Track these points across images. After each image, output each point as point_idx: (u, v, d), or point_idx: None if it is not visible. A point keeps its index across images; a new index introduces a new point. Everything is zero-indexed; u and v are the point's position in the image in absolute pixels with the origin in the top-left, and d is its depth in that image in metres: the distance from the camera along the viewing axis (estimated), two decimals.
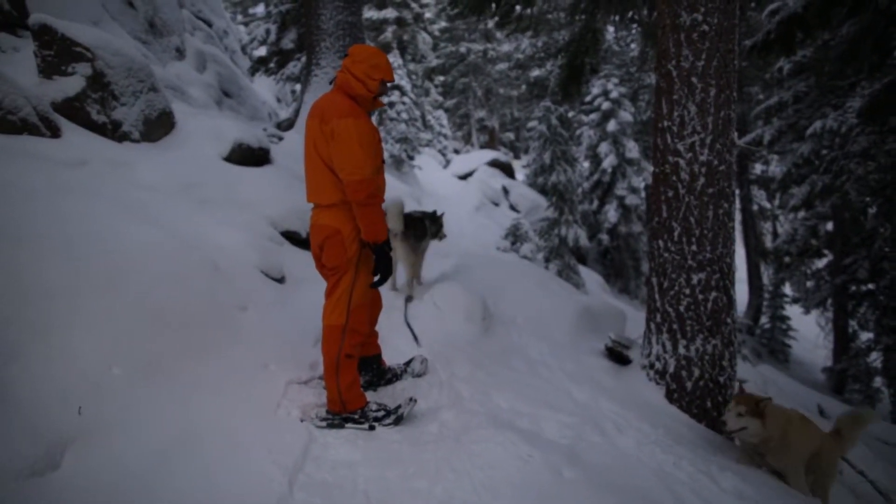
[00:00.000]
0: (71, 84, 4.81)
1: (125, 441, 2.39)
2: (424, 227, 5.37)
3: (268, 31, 11.41)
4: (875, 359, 13.71)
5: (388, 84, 3.29)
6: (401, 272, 5.30)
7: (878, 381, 14.14)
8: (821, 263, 15.78)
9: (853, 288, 13.76)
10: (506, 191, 18.07)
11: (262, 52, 12.14)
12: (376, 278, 3.28)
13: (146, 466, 2.32)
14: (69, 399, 2.37)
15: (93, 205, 3.61)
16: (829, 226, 15.07)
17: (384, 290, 3.94)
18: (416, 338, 4.33)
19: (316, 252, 3.28)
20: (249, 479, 2.45)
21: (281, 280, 4.70)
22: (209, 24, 12.56)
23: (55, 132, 4.46)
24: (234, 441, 2.64)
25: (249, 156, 6.14)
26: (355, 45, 3.48)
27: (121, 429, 2.44)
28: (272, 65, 11.61)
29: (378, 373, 3.71)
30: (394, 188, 11.01)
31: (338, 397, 3.11)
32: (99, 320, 2.80)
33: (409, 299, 4.86)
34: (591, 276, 14.23)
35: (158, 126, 5.58)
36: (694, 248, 4.17)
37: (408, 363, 3.83)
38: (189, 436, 2.57)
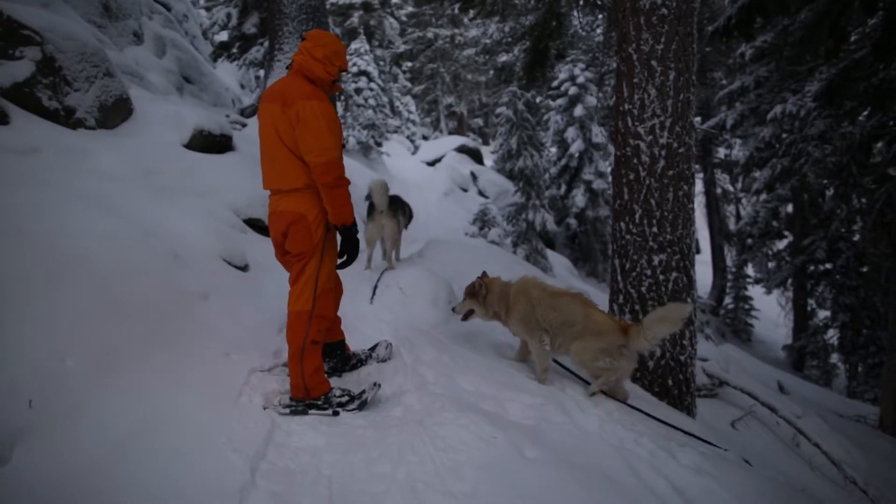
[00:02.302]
0: (19, 69, 4.63)
1: (79, 434, 2.33)
2: (405, 206, 5.69)
3: (229, 16, 11.17)
4: (832, 336, 14.20)
5: (343, 74, 3.30)
6: (379, 249, 5.63)
7: (834, 357, 14.64)
8: (781, 244, 16.21)
9: (811, 268, 14.19)
10: (474, 176, 18.11)
11: (223, 36, 11.87)
12: (342, 260, 3.29)
13: (102, 459, 2.28)
14: (19, 392, 2.31)
15: (44, 193, 3.50)
16: (790, 208, 15.48)
17: (348, 279, 3.92)
18: (373, 294, 4.79)
19: (278, 239, 3.24)
20: (210, 469, 2.42)
21: (244, 268, 4.64)
22: (168, 8, 12.22)
23: (3, 119, 4.30)
24: (195, 431, 2.61)
25: (211, 142, 6.02)
26: (314, 29, 3.47)
27: (75, 421, 2.38)
28: (234, 50, 11.37)
29: (343, 358, 3.70)
30: (362, 175, 10.93)
31: (302, 383, 3.10)
32: (52, 311, 2.72)
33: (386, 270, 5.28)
34: (558, 260, 14.37)
35: (115, 112, 5.42)
36: (655, 229, 4.24)
37: (372, 348, 3.83)
38: (147, 427, 2.52)
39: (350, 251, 3.27)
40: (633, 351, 3.56)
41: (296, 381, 3.12)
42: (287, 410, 3.06)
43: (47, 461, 2.17)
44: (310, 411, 3.09)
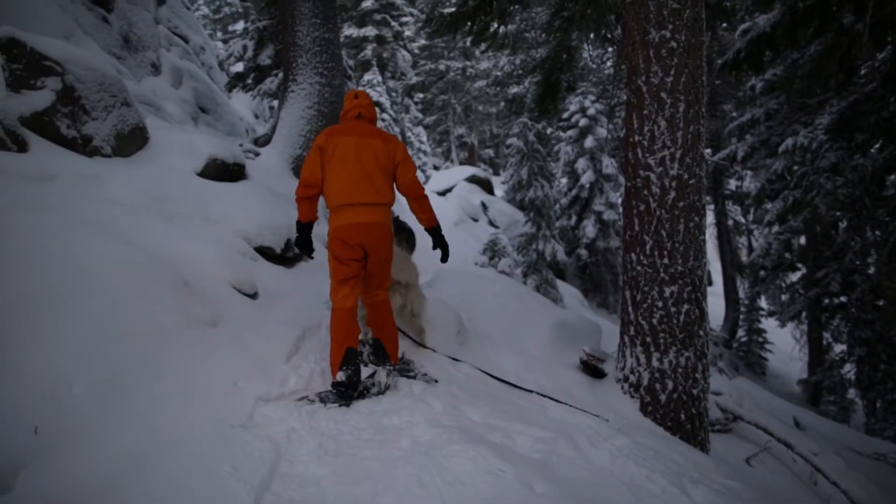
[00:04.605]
0: (40, 98, 4.73)
1: (84, 461, 2.31)
2: (413, 234, 5.58)
3: (245, 48, 11.37)
4: (848, 370, 13.92)
5: None
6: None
7: (851, 393, 14.33)
8: (795, 277, 16.03)
9: (826, 301, 13.98)
10: (485, 206, 18.12)
11: (239, 67, 12.10)
12: (441, 256, 4.19)
13: (105, 486, 2.25)
14: (24, 418, 2.29)
15: (58, 219, 3.54)
16: (803, 240, 15.34)
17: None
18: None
19: (374, 242, 3.75)
20: (213, 499, 2.38)
21: (253, 296, 4.63)
22: (186, 40, 12.53)
23: (22, 146, 4.38)
24: (200, 459, 2.58)
25: (224, 171, 6.10)
26: (360, 90, 4.35)
27: (80, 448, 2.36)
28: (249, 81, 11.54)
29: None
30: None
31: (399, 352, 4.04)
32: (59, 337, 2.72)
33: None
34: (569, 291, 14.29)
35: (131, 141, 5.51)
36: (666, 261, 4.21)
37: (371, 376, 3.82)
38: (152, 454, 2.50)
39: (443, 247, 4.16)
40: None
41: (398, 346, 4.02)
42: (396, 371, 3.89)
43: (50, 488, 2.15)
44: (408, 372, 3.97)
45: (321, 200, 3.92)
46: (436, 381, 3.89)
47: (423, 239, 5.31)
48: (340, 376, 3.53)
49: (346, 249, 3.70)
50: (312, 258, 4.33)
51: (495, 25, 7.71)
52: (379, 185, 3.76)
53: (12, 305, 2.68)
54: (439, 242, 4.13)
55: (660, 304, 4.23)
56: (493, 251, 12.48)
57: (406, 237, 5.56)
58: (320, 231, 5.08)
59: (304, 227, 3.96)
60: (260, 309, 4.46)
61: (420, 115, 29.37)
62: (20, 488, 2.08)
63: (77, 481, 2.22)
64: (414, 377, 3.90)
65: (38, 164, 4.25)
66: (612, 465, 3.10)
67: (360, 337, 4.18)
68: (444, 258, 4.18)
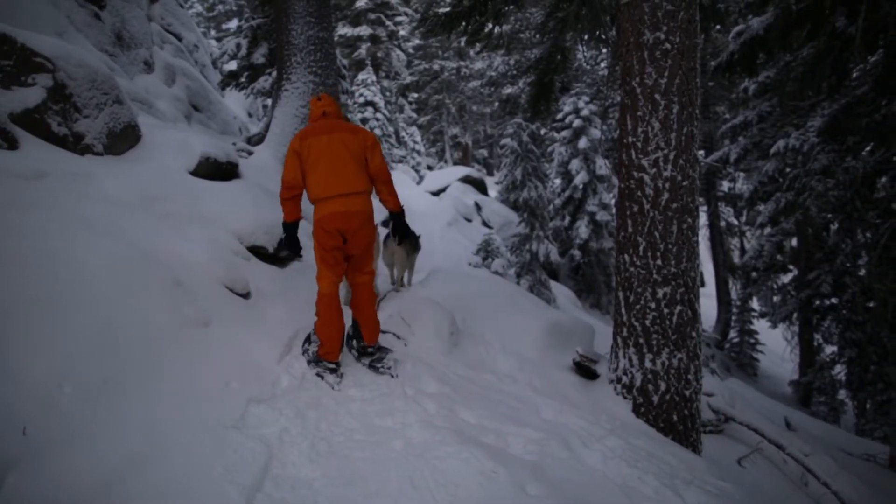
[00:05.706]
0: (30, 95, 4.68)
1: (73, 462, 2.29)
2: (418, 238, 5.75)
3: (238, 46, 11.33)
4: (839, 371, 13.98)
5: None
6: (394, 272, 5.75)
7: (842, 394, 14.40)
8: (786, 278, 16.08)
9: (817, 302, 14.02)
10: (478, 207, 18.14)
11: (232, 66, 12.05)
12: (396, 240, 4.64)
13: (95, 488, 2.23)
14: (14, 419, 2.27)
15: (49, 218, 3.51)
16: (794, 242, 15.40)
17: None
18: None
19: (352, 229, 3.94)
20: (206, 500, 2.37)
21: (246, 296, 4.61)
22: (179, 38, 12.44)
23: (12, 144, 4.34)
24: (191, 460, 2.56)
25: (217, 170, 6.05)
26: (323, 93, 4.62)
27: (69, 449, 2.34)
28: (243, 79, 11.51)
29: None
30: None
31: (378, 333, 4.17)
32: (51, 337, 2.70)
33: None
34: (562, 292, 14.30)
35: (123, 139, 5.46)
36: (659, 262, 4.21)
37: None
38: (143, 455, 2.48)
39: (402, 232, 4.42)
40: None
41: (377, 330, 4.17)
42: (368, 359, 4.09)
43: (39, 489, 2.13)
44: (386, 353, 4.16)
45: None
46: (396, 377, 3.97)
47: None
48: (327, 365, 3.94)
49: (326, 237, 3.92)
50: (301, 256, 4.53)
51: (490, 26, 7.72)
52: (352, 176, 3.96)
53: (5, 304, 2.66)
54: (400, 228, 4.39)
55: (653, 305, 4.24)
56: (486, 251, 12.49)
57: (411, 240, 5.59)
58: (308, 227, 5.09)
59: (291, 227, 4.18)
60: (252, 309, 4.44)
61: (414, 115, 29.34)
62: (8, 491, 2.06)
63: (68, 484, 2.19)
64: (378, 370, 4.04)
65: (28, 162, 4.21)
66: (605, 467, 3.11)
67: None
68: (399, 242, 4.79)
